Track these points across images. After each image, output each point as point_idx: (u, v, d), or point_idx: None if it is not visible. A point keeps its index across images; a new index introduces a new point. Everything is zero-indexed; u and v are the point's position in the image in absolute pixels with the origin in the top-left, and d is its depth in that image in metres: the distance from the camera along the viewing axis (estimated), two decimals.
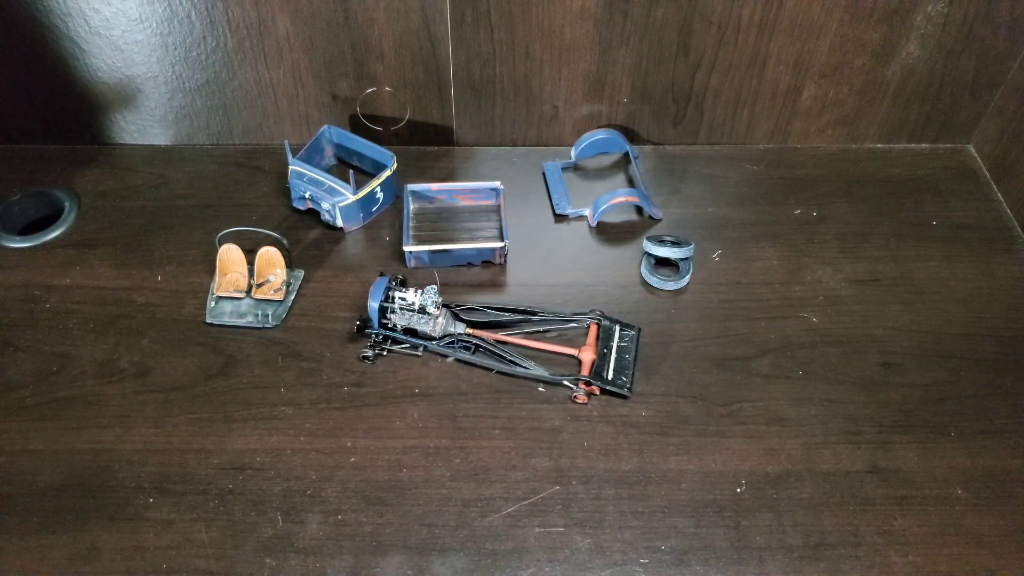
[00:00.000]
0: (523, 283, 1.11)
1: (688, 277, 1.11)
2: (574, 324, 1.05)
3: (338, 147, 1.25)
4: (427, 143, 1.29)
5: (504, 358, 1.00)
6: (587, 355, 1.01)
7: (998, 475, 0.93)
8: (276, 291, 1.08)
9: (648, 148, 1.31)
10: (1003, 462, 0.94)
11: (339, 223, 1.16)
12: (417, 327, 1.01)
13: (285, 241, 1.08)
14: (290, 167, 1.16)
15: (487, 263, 1.13)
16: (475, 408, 0.98)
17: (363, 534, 0.87)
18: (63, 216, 1.18)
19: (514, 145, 1.30)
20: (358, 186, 1.14)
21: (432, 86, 1.22)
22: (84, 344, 1.03)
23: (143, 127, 1.27)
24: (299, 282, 1.10)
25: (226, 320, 1.05)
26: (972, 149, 1.32)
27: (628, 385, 0.99)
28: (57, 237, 1.15)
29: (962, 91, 1.25)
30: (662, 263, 1.13)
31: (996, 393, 1.00)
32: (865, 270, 1.14)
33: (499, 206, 1.18)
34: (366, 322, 1.01)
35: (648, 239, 1.12)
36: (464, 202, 1.20)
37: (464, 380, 1.00)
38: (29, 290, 1.09)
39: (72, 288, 1.09)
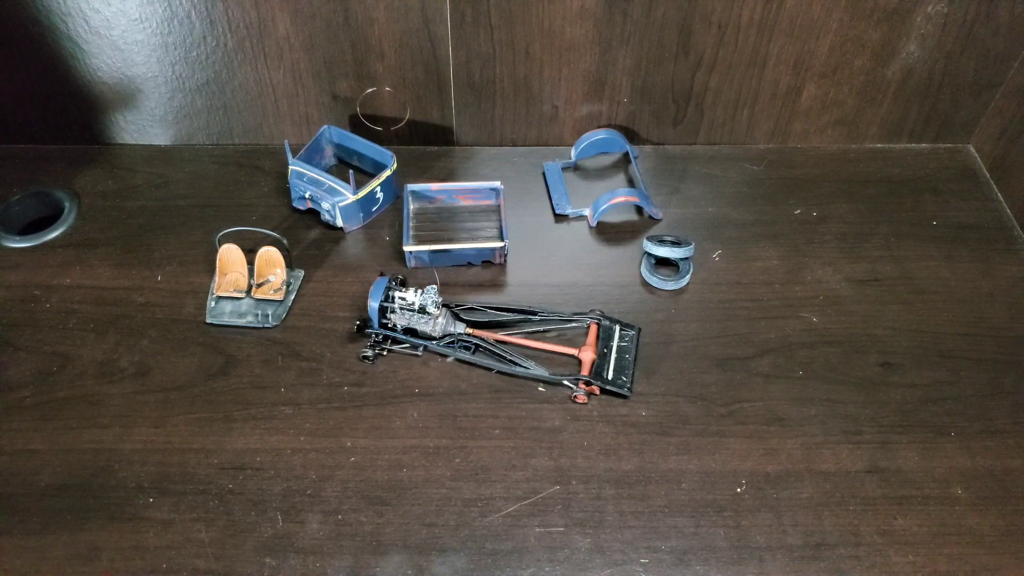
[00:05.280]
0: (523, 283, 1.11)
1: (688, 277, 1.11)
2: (574, 324, 1.05)
3: (338, 147, 1.25)
4: (427, 143, 1.29)
5: (504, 358, 1.00)
6: (587, 355, 1.01)
7: (998, 475, 0.93)
8: (276, 291, 1.08)
9: (648, 148, 1.31)
10: (1003, 462, 0.94)
11: (339, 223, 1.16)
12: (417, 327, 1.01)
13: (285, 241, 1.08)
14: (290, 167, 1.16)
15: (487, 263, 1.13)
16: (475, 408, 0.98)
17: (363, 534, 0.87)
18: (63, 216, 1.18)
19: (514, 145, 1.30)
20: (358, 186, 1.14)
21: (432, 86, 1.22)
22: (84, 344, 1.03)
23: (143, 127, 1.27)
24: (299, 282, 1.10)
25: (226, 320, 1.05)
26: (972, 149, 1.32)
27: (628, 385, 0.99)
28: (57, 237, 1.15)
29: (962, 91, 1.25)
30: (662, 263, 1.13)
31: (996, 393, 1.00)
32: (865, 270, 1.14)
33: (499, 206, 1.18)
34: (366, 322, 1.01)
35: (648, 239, 1.12)
36: (464, 202, 1.20)
37: (464, 380, 1.00)
38: (29, 290, 1.09)
39: (72, 288, 1.09)
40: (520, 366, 1.00)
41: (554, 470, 0.92)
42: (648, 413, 0.98)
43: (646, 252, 1.12)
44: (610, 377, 0.99)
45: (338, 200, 1.13)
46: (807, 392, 1.00)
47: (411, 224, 1.16)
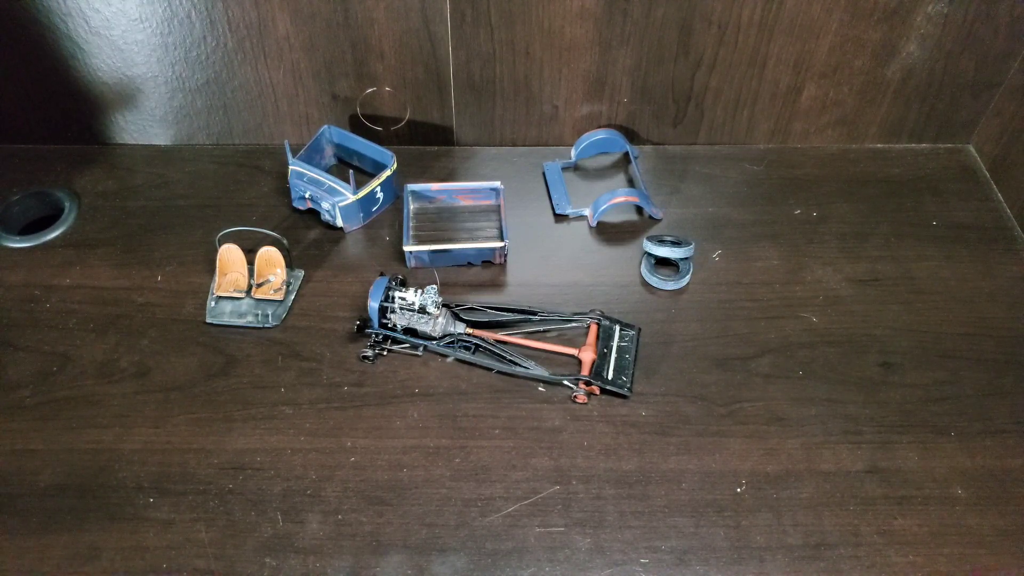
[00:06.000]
0: (523, 283, 1.11)
1: (688, 277, 1.11)
2: (574, 324, 1.05)
3: (338, 147, 1.25)
4: (427, 143, 1.29)
5: (504, 358, 1.00)
6: (587, 355, 1.01)
7: (998, 475, 0.93)
8: (276, 291, 1.08)
9: (648, 148, 1.31)
10: (1003, 462, 0.94)
11: (339, 223, 1.16)
12: (417, 327, 1.01)
13: (285, 241, 1.08)
14: (290, 167, 1.16)
15: (487, 263, 1.13)
16: (475, 408, 0.98)
17: (363, 534, 0.87)
18: (63, 216, 1.18)
19: (514, 145, 1.30)
20: (358, 186, 1.14)
21: (432, 86, 1.22)
22: (84, 344, 1.03)
23: (143, 127, 1.27)
24: (299, 282, 1.10)
25: (226, 320, 1.05)
26: (972, 149, 1.32)
27: (628, 385, 0.99)
28: (57, 237, 1.15)
29: (962, 91, 1.25)
30: (662, 263, 1.13)
31: (996, 393, 1.00)
32: (865, 270, 1.14)
33: (499, 206, 1.18)
34: (366, 322, 1.02)
35: (648, 239, 1.12)
36: (464, 202, 1.20)
37: (464, 380, 1.00)
38: (29, 290, 1.09)
39: (72, 288, 1.09)
40: (520, 366, 1.00)
41: (554, 470, 0.92)
42: (648, 413, 0.98)
43: (646, 252, 1.12)
44: (610, 377, 0.99)
45: (338, 200, 1.13)
46: (807, 392, 1.00)
47: (411, 224, 1.16)
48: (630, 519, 0.89)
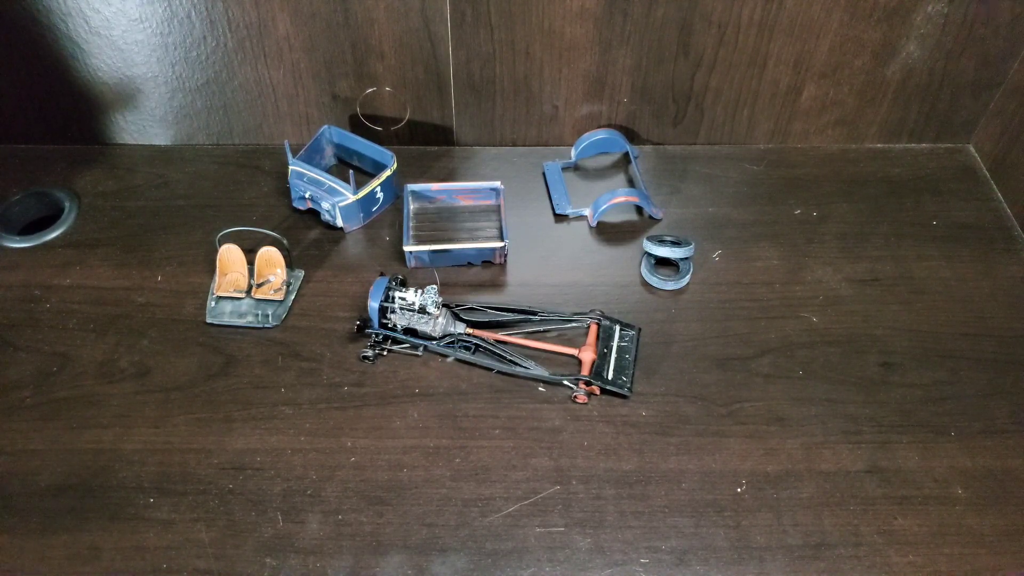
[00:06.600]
0: (523, 283, 1.11)
1: (688, 277, 1.11)
2: (574, 324, 1.05)
3: (338, 147, 1.25)
4: (427, 143, 1.29)
5: (504, 358, 1.00)
6: (587, 355, 1.01)
7: (998, 475, 0.93)
8: (276, 291, 1.08)
9: (648, 148, 1.31)
10: (1003, 462, 0.94)
11: (339, 223, 1.16)
12: (417, 327, 1.01)
13: (285, 241, 1.08)
14: (290, 167, 1.16)
15: (487, 263, 1.13)
16: (475, 408, 0.98)
17: (363, 534, 0.87)
18: (63, 216, 1.18)
19: (514, 145, 1.30)
20: (358, 186, 1.14)
21: (432, 86, 1.22)
22: (84, 344, 1.03)
23: (143, 127, 1.27)
24: (299, 282, 1.10)
25: (226, 320, 1.05)
26: (972, 149, 1.32)
27: (628, 385, 0.99)
28: (57, 237, 1.15)
29: (962, 91, 1.25)
30: (662, 263, 1.13)
31: (996, 393, 1.00)
32: (865, 270, 1.14)
33: (499, 206, 1.18)
34: (366, 322, 1.02)
35: (648, 239, 1.12)
36: (464, 202, 1.20)
37: (464, 380, 1.00)
38: (29, 290, 1.09)
39: (72, 288, 1.09)
40: (520, 366, 1.00)
41: (554, 470, 0.92)
42: (648, 413, 0.98)
43: (646, 252, 1.12)
44: (610, 377, 0.99)
45: (338, 200, 1.13)
46: (807, 392, 1.00)
47: (411, 224, 1.16)
48: (630, 519, 0.89)
